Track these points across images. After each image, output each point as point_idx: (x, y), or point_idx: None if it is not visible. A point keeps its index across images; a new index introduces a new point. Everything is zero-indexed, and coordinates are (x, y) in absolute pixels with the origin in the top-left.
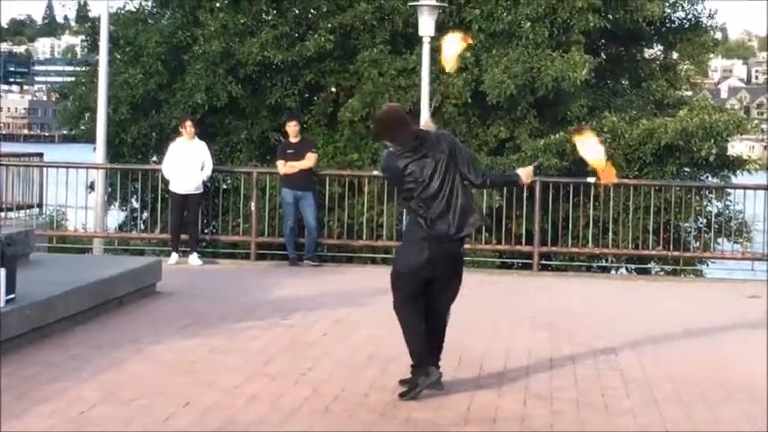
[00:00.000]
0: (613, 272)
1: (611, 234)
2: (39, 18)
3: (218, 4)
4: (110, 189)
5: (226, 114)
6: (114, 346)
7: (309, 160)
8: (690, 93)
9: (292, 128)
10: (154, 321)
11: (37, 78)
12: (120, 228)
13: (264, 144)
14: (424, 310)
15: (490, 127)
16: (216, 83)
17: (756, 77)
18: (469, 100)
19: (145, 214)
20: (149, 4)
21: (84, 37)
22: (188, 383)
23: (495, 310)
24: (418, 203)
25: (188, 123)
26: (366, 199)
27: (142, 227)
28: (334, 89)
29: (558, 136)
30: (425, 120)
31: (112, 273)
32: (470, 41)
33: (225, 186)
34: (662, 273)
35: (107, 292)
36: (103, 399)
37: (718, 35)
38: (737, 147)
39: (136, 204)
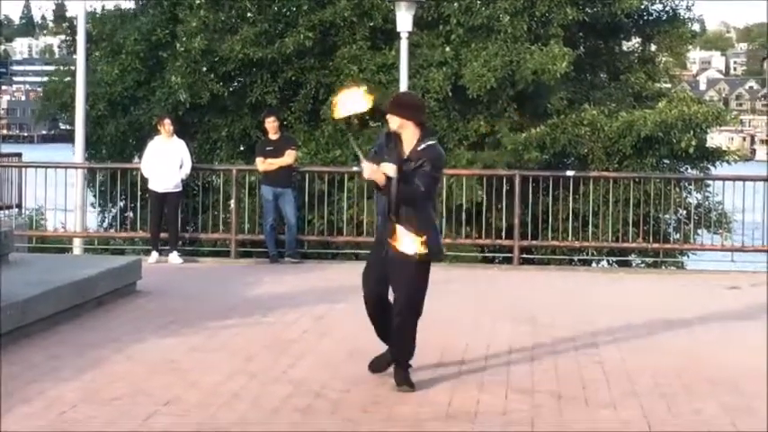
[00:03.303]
0: (594, 264)
1: (591, 227)
2: (16, 18)
3: (198, 1)
4: (93, 188)
5: (206, 112)
6: (95, 345)
7: (289, 157)
8: (669, 85)
9: (271, 124)
10: (134, 320)
11: (15, 78)
12: (103, 228)
13: (245, 141)
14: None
15: (470, 121)
16: (197, 81)
17: (735, 69)
18: (449, 94)
19: (126, 213)
20: (129, 2)
21: (63, 37)
22: (169, 382)
23: (476, 304)
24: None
25: (166, 121)
26: (346, 195)
27: (123, 226)
28: (314, 84)
29: (539, 129)
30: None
31: (92, 272)
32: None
33: (205, 184)
34: (643, 265)
35: (87, 292)
36: (84, 399)
37: (696, 27)
38: (717, 138)
39: (117, 203)
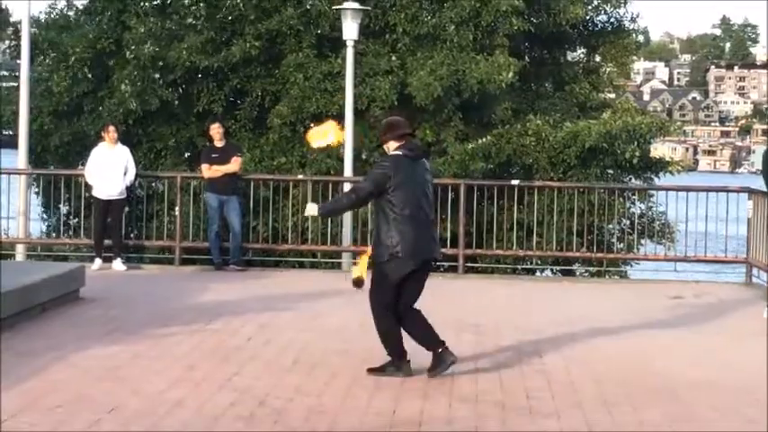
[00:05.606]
0: (538, 274)
1: (535, 236)
2: None
3: (144, 5)
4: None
5: (153, 120)
6: (37, 353)
7: (234, 164)
8: (613, 95)
9: (216, 131)
10: (77, 328)
11: None
12: (46, 234)
13: (191, 149)
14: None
15: (416, 130)
16: (146, 88)
17: (678, 79)
18: (395, 102)
19: (69, 220)
20: (74, 8)
21: (7, 42)
22: (112, 390)
23: None
24: None
25: (111, 128)
26: (291, 203)
27: (66, 233)
28: (259, 92)
29: (484, 140)
30: None
31: (35, 279)
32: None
33: (149, 191)
34: (586, 274)
35: (29, 299)
36: (26, 406)
37: (641, 38)
38: (660, 148)
39: (61, 210)
